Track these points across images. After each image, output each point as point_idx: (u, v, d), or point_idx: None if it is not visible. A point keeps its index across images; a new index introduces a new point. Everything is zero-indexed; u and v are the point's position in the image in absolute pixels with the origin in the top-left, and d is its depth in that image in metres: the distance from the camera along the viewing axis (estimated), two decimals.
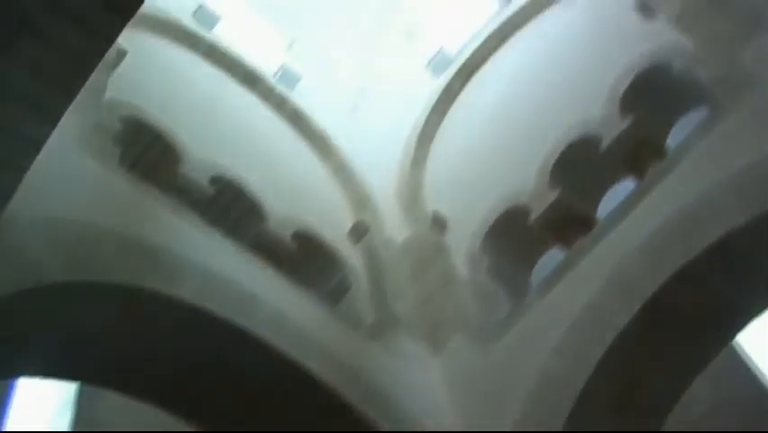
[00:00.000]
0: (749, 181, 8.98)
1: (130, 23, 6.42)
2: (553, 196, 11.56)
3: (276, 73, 15.39)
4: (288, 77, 15.46)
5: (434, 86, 15.23)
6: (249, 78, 14.56)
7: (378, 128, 15.28)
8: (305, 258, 11.59)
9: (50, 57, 6.19)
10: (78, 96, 6.50)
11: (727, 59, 10.20)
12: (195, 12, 14.65)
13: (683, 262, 9.15)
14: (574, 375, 9.36)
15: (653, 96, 11.60)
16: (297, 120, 14.62)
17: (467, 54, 15.14)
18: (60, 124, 6.51)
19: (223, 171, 11.41)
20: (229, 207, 11.26)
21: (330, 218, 12.89)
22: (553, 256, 11.94)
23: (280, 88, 15.00)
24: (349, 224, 12.94)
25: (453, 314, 11.24)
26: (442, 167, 13.83)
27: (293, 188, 12.78)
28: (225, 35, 14.95)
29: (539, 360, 9.74)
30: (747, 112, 9.57)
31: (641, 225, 9.80)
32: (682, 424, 11.18)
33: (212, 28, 14.74)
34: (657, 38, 11.50)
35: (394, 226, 13.12)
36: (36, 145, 6.55)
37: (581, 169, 11.77)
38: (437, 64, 15.59)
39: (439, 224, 12.69)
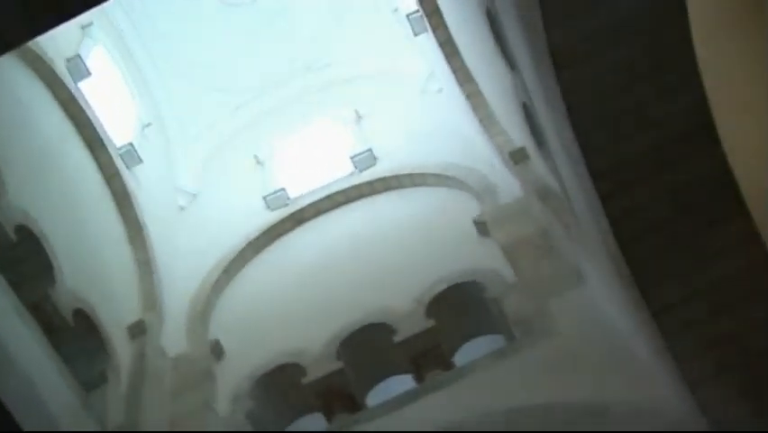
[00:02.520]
0: (516, 423, 9.12)
1: None
2: (332, 367, 11.54)
3: (121, 148, 15.14)
4: (131, 156, 15.25)
5: (262, 219, 15.25)
6: (93, 141, 14.32)
7: (196, 237, 15.13)
8: (77, 337, 11.13)
9: None
10: None
11: (538, 301, 10.57)
12: (69, 59, 14.41)
13: None
14: None
15: (458, 310, 11.92)
16: (122, 200, 14.39)
17: (304, 202, 15.28)
18: None
19: (31, 223, 10.92)
20: (24, 259, 10.77)
21: (116, 307, 12.52)
22: (314, 420, 11.91)
23: (119, 164, 14.74)
24: (132, 319, 12.59)
25: None
26: (239, 299, 13.74)
27: (93, 265, 12.44)
28: (90, 92, 14.71)
29: None
30: (538, 356, 9.84)
31: (404, 426, 9.80)
32: None
33: (80, 81, 14.48)
34: (484, 258, 11.93)
35: (173, 338, 12.82)
36: None
37: (368, 352, 11.87)
38: (274, 200, 15.66)
39: (216, 353, 12.50)
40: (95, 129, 14.35)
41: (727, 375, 7.73)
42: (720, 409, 7.77)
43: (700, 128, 7.69)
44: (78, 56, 14.68)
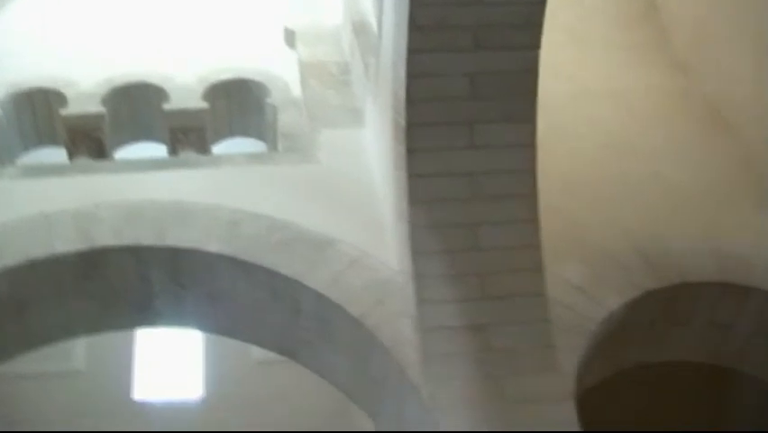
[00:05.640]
0: (236, 225, 8.74)
1: None
2: (94, 109, 10.78)
3: None
4: None
5: None
6: None
7: None
8: None
9: None
10: None
11: (313, 125, 10.20)
12: None
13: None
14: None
15: (234, 103, 11.44)
16: None
17: None
18: None
19: None
20: None
21: None
22: (55, 153, 11.19)
23: None
24: None
25: None
26: (30, 8, 12.47)
27: None
28: None
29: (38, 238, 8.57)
30: (290, 175, 9.48)
31: (138, 188, 9.22)
32: None
33: None
34: (280, 65, 11.38)
35: None
36: None
37: (133, 109, 11.22)
38: None
39: None
40: None
41: (451, 260, 7.68)
42: (429, 286, 7.70)
43: (528, 26, 7.45)
44: None
